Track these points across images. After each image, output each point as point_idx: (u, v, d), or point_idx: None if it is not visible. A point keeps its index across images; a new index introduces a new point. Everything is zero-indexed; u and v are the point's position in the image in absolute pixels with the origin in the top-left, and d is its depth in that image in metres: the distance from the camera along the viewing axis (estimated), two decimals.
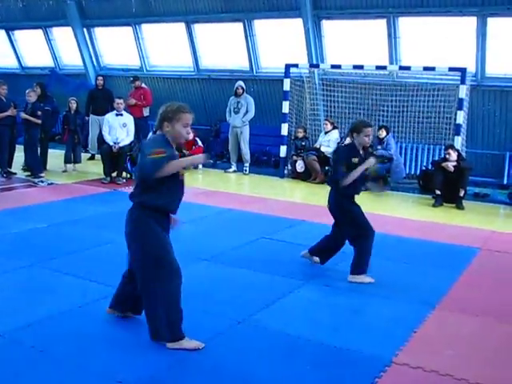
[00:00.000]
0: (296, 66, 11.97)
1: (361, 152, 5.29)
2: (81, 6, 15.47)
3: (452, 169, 9.39)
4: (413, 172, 11.77)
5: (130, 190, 9.87)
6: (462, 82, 10.32)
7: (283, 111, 11.88)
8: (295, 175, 11.56)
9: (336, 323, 4.38)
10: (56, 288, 4.86)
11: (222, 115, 12.52)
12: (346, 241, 5.53)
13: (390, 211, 8.83)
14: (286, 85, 11.79)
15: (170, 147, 3.73)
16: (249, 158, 11.99)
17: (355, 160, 5.20)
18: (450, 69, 10.52)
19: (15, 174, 10.50)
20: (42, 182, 9.95)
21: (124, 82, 14.92)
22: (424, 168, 11.20)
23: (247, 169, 11.94)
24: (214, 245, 6.36)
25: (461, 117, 10.39)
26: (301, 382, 3.49)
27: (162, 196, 3.74)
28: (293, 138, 12.18)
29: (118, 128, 10.39)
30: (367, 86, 11.92)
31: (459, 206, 9.27)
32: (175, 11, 14.00)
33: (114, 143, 10.22)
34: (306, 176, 11.34)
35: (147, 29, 14.97)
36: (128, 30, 15.07)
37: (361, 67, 11.35)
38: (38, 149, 10.62)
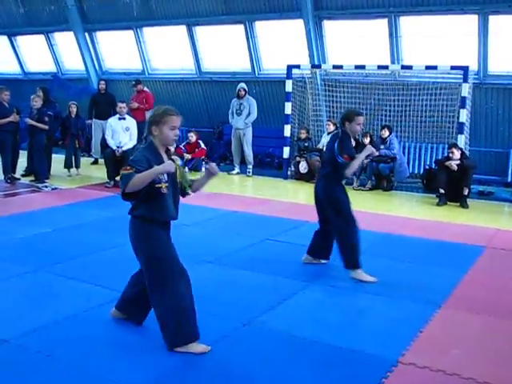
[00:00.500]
0: (298, 66, 11.97)
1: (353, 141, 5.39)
2: (82, 10, 15.52)
3: (455, 167, 9.37)
4: (416, 171, 11.74)
5: None
6: (465, 80, 10.29)
7: (286, 112, 11.88)
8: (298, 176, 11.56)
9: (341, 324, 4.37)
10: (61, 293, 4.86)
11: (225, 117, 12.53)
12: None
13: (393, 211, 8.82)
14: (288, 86, 11.79)
15: (152, 157, 3.70)
16: (252, 160, 12.00)
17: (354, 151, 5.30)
18: (452, 67, 10.50)
19: (19, 179, 10.52)
20: (46, 187, 9.97)
21: (126, 85, 14.94)
22: (427, 167, 11.18)
23: (250, 171, 11.94)
24: (218, 247, 6.36)
25: (464, 115, 10.36)
26: None
27: (154, 208, 3.74)
28: (296, 139, 12.17)
29: (121, 132, 10.39)
30: (369, 86, 11.91)
31: (463, 205, 9.25)
32: (176, 14, 14.03)
33: (117, 147, 10.22)
34: (310, 177, 11.33)
35: (148, 32, 15.00)
36: (129, 33, 15.11)
37: (363, 67, 11.34)
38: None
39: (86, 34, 15.85)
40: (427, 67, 10.78)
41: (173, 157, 3.85)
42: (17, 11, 16.66)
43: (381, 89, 11.76)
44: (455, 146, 9.72)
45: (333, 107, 12.28)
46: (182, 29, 14.23)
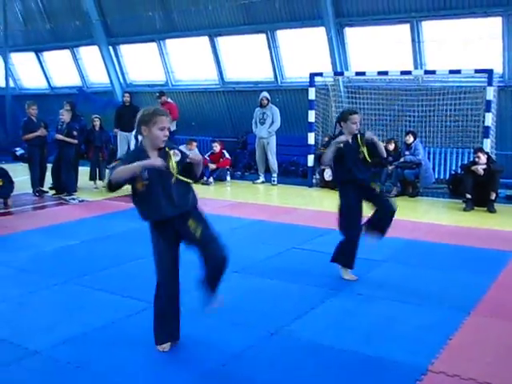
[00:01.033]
0: (320, 74, 11.97)
1: (349, 140, 5.37)
2: (106, 24, 15.77)
3: (482, 172, 9.27)
4: (442, 177, 11.64)
5: None
6: (489, 83, 10.18)
7: (309, 120, 11.88)
8: (324, 184, 11.54)
9: (369, 332, 4.34)
10: (89, 304, 4.91)
11: (249, 127, 12.58)
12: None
13: (420, 217, 8.75)
14: (311, 94, 11.81)
15: (140, 157, 3.74)
16: (276, 169, 12.01)
17: (341, 145, 5.32)
18: (477, 71, 10.41)
19: (47, 192, 10.67)
20: (74, 199, 10.10)
21: (150, 97, 15.09)
22: (453, 172, 11.07)
23: (275, 179, 11.95)
24: (245, 256, 6.36)
25: (489, 119, 10.24)
26: None
27: (144, 208, 3.87)
28: (320, 147, 12.15)
29: None
30: (392, 92, 11.86)
31: (491, 210, 9.14)
32: (198, 25, 14.16)
33: None
34: (335, 184, 11.25)
35: (171, 44, 15.18)
36: (152, 45, 15.30)
37: (385, 73, 11.31)
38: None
39: (110, 48, 16.11)
40: (451, 71, 10.70)
41: (171, 151, 3.81)
42: (43, 27, 17.01)
43: (404, 94, 11.70)
44: (481, 150, 9.62)
45: None
46: (204, 40, 14.36)
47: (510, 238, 7.39)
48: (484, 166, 9.33)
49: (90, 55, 16.63)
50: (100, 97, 16.30)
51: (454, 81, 11.27)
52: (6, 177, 9.53)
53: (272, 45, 13.37)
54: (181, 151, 3.90)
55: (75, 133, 10.54)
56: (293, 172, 13.20)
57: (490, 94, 10.21)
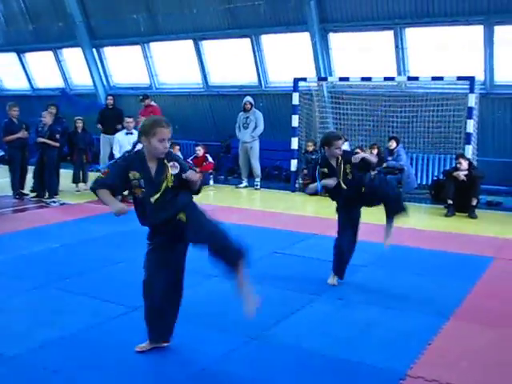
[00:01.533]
0: (304, 79, 12.01)
1: (333, 163, 5.44)
2: (90, 26, 15.69)
3: (463, 178, 9.34)
4: (424, 182, 11.72)
5: None
6: (471, 90, 10.29)
7: (293, 125, 11.90)
8: None
9: (349, 336, 4.34)
10: (68, 308, 4.86)
11: (232, 131, 12.57)
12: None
13: (401, 222, 8.75)
14: (295, 99, 11.83)
15: (135, 165, 3.77)
16: (259, 173, 12.01)
17: (325, 170, 5.43)
18: (459, 78, 10.52)
19: (27, 195, 10.57)
20: (54, 202, 10.02)
21: (134, 100, 15.00)
22: (435, 178, 11.15)
23: (258, 184, 11.95)
24: None
25: (471, 125, 10.35)
26: None
27: (138, 213, 3.89)
28: (303, 151, 12.18)
29: (129, 147, 10.38)
30: (376, 98, 11.92)
31: (472, 215, 9.21)
32: (183, 29, 14.14)
33: None
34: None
35: (155, 47, 15.14)
36: (137, 48, 15.25)
37: (369, 79, 11.38)
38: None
39: (94, 50, 16.02)
40: (433, 78, 10.81)
41: (169, 163, 3.80)
42: (25, 28, 16.85)
43: (387, 100, 11.77)
44: (462, 156, 9.70)
45: (340, 119, 12.30)
46: (188, 43, 14.35)
47: (491, 243, 7.45)
48: (465, 172, 9.41)
49: (74, 57, 16.52)
50: (83, 99, 16.20)
51: (436, 87, 11.37)
52: None
53: (256, 49, 13.40)
54: (181, 164, 3.86)
55: (58, 136, 10.46)
56: (276, 176, 13.22)
57: (472, 100, 10.31)
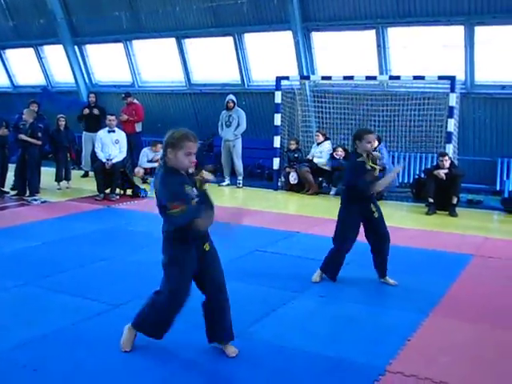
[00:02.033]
0: (287, 78, 12.04)
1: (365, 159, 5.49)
2: (71, 23, 15.57)
3: (443, 176, 9.42)
4: (406, 181, 11.80)
5: (123, 206, 9.85)
6: (452, 90, 10.38)
7: (275, 124, 11.91)
8: (289, 187, 11.59)
9: (330, 333, 4.38)
10: (49, 306, 4.84)
11: (215, 129, 12.56)
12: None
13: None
14: (278, 97, 11.85)
15: (185, 179, 3.76)
16: (242, 171, 12.02)
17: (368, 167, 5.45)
18: (440, 77, 10.60)
19: (8, 193, 10.48)
20: (36, 200, 9.94)
21: (116, 98, 14.93)
22: (417, 176, 11.23)
23: (241, 182, 11.96)
24: None
25: (451, 125, 10.44)
26: None
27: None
28: (285, 150, 12.21)
29: (111, 145, 10.39)
30: (358, 97, 11.98)
31: (452, 214, 9.30)
32: (165, 27, 14.09)
33: (107, 160, 10.21)
34: (300, 188, 11.38)
35: (138, 45, 15.05)
36: (119, 46, 15.16)
37: (351, 78, 11.43)
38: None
39: (76, 47, 15.89)
40: (415, 77, 10.88)
41: (197, 177, 3.83)
42: (5, 24, 16.67)
43: (369, 99, 11.83)
44: (446, 154, 9.75)
45: (322, 118, 12.34)
46: (171, 41, 14.29)
47: (470, 241, 7.53)
48: (446, 171, 9.48)
49: (55, 54, 16.38)
50: (65, 96, 16.08)
51: (417, 87, 11.44)
52: None
53: (239, 48, 13.39)
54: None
55: (39, 134, 10.39)
56: (258, 175, 13.22)
57: (453, 100, 10.40)
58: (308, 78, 12.36)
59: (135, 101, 13.37)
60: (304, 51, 12.55)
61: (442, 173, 9.43)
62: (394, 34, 11.81)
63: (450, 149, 10.33)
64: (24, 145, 10.31)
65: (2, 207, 9.56)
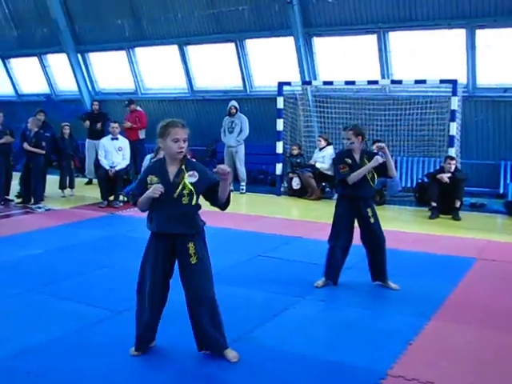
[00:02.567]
0: (289, 83, 12.07)
1: (356, 156, 5.52)
2: (74, 32, 15.66)
3: (447, 180, 9.41)
4: (408, 185, 11.80)
5: (127, 213, 9.85)
6: (454, 93, 10.38)
7: (277, 129, 11.94)
8: (291, 192, 11.61)
9: (331, 338, 4.39)
10: (52, 313, 4.86)
11: (218, 135, 12.59)
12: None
13: (386, 225, 8.76)
14: (280, 103, 11.88)
15: (156, 170, 3.83)
16: (245, 177, 12.04)
17: (348, 160, 5.48)
18: (442, 81, 10.60)
19: (12, 201, 10.54)
20: (40, 207, 9.99)
21: (119, 105, 15.02)
22: (419, 180, 11.23)
23: (244, 188, 11.98)
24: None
25: (454, 128, 10.44)
26: None
27: (148, 217, 3.94)
28: (288, 155, 12.23)
29: (114, 152, 10.43)
30: (360, 101, 12.00)
31: (455, 217, 9.29)
32: (167, 34, 14.16)
33: (110, 167, 10.25)
34: (302, 193, 11.39)
35: (140, 52, 15.13)
36: (122, 54, 15.24)
37: (353, 83, 11.46)
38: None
39: (79, 55, 15.98)
40: (417, 81, 10.89)
41: (187, 173, 3.80)
42: (10, 34, 16.80)
43: (371, 104, 11.85)
44: (452, 158, 9.73)
45: (324, 123, 12.36)
46: (173, 48, 14.36)
47: (473, 244, 7.52)
48: (449, 175, 9.47)
49: (59, 62, 16.48)
50: (68, 104, 16.17)
51: (419, 91, 11.46)
52: None
53: (241, 54, 13.44)
54: (204, 173, 3.88)
55: (44, 143, 10.46)
56: (261, 180, 13.25)
57: (455, 103, 10.40)
58: (310, 83, 12.39)
59: (138, 108, 13.43)
60: (306, 56, 12.59)
61: (445, 177, 9.42)
62: (396, 38, 11.84)
63: (453, 152, 10.31)
64: (28, 153, 10.37)
65: (6, 215, 9.61)
